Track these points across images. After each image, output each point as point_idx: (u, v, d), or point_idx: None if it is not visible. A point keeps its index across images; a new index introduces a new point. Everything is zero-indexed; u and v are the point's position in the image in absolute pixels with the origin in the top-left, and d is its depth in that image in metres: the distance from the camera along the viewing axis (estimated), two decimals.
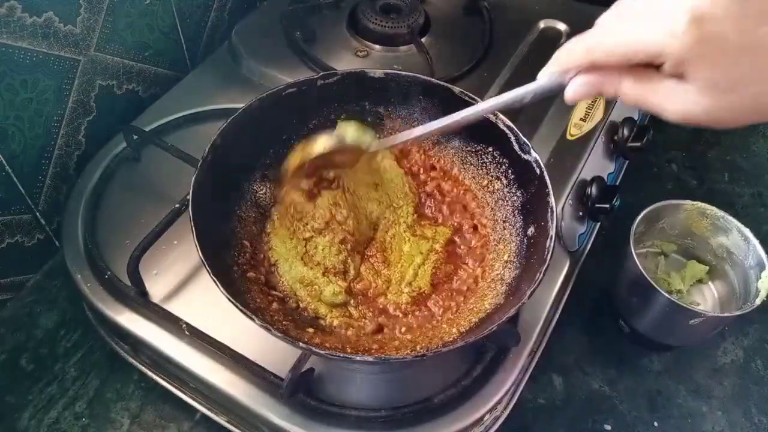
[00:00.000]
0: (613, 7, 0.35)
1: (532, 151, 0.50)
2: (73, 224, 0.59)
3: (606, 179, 0.65)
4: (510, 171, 0.53)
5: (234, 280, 0.47)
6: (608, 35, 0.34)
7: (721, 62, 0.30)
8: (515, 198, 0.53)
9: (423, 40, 0.75)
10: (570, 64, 0.36)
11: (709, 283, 0.67)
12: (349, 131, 0.48)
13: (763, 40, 0.30)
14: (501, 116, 0.51)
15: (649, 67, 0.33)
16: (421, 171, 0.58)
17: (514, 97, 0.39)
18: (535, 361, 0.56)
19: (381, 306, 0.51)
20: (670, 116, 0.33)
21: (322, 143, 0.48)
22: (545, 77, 0.37)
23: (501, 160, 0.54)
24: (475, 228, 0.55)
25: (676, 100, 0.32)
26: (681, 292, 0.65)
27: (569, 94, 0.36)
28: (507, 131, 0.51)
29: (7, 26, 0.53)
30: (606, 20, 0.35)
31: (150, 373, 0.56)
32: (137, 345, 0.55)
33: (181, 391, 0.55)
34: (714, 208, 0.63)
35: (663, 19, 0.31)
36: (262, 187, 0.55)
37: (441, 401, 0.49)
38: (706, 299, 0.66)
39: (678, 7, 0.30)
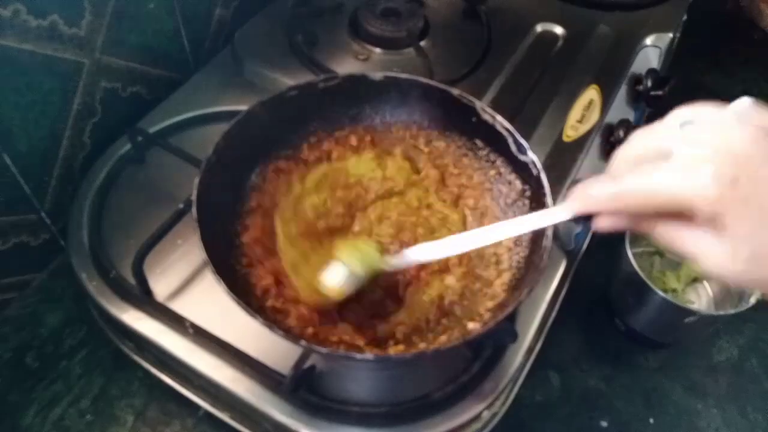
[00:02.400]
0: (631, 144, 0.33)
1: (529, 152, 0.50)
2: (78, 224, 0.59)
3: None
4: (507, 172, 0.54)
5: (237, 279, 0.48)
6: (634, 184, 0.31)
7: (758, 221, 0.28)
8: (512, 198, 0.53)
9: (422, 43, 0.76)
10: (594, 208, 0.33)
11: (704, 282, 0.68)
12: (357, 263, 0.45)
13: None
14: (499, 117, 0.52)
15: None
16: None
17: (535, 226, 0.38)
18: (533, 359, 0.57)
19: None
20: (707, 270, 0.30)
21: (338, 292, 0.45)
22: (567, 212, 0.35)
23: (498, 161, 0.55)
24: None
25: (710, 254, 0.30)
26: (676, 290, 0.66)
27: (600, 225, 0.34)
28: (504, 132, 0.52)
29: (12, 29, 0.54)
30: (625, 160, 0.33)
31: (154, 371, 0.57)
32: (141, 343, 0.56)
33: (185, 388, 0.56)
34: None
35: (694, 167, 0.28)
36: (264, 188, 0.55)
37: (440, 398, 0.50)
38: (701, 298, 0.67)
39: (709, 154, 0.28)
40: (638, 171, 0.31)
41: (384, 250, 0.51)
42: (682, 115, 0.32)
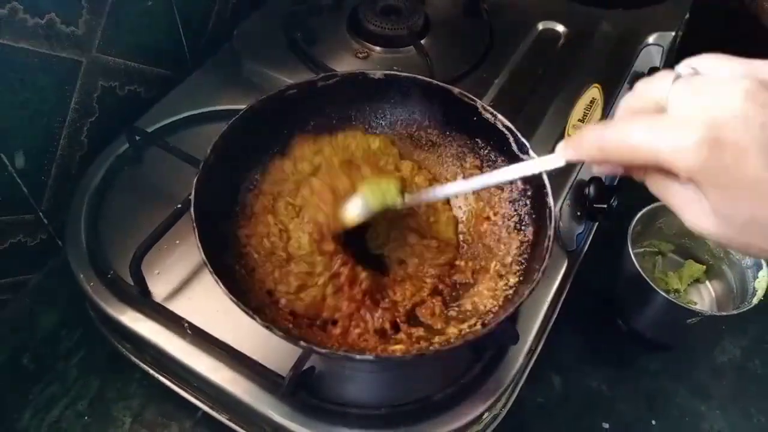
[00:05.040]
0: (634, 93, 0.33)
1: (530, 151, 0.50)
2: (75, 224, 0.59)
3: (604, 179, 0.65)
4: None
5: (236, 280, 0.47)
6: (622, 135, 0.31)
7: (734, 192, 0.28)
8: (513, 198, 0.53)
9: (423, 41, 0.76)
10: (584, 156, 0.34)
11: (707, 282, 0.67)
12: (373, 199, 0.48)
13: None
14: (499, 116, 0.52)
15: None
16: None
17: (533, 169, 0.39)
18: (534, 360, 0.57)
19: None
20: (688, 225, 0.31)
21: (351, 217, 0.48)
22: (560, 159, 0.35)
23: (499, 160, 0.54)
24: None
25: (690, 210, 0.30)
26: (678, 291, 0.66)
27: (596, 170, 0.35)
28: (505, 131, 0.51)
29: (9, 27, 0.53)
30: (626, 109, 0.33)
31: (152, 372, 0.57)
32: (139, 344, 0.55)
33: (183, 390, 0.56)
34: None
35: (678, 128, 0.29)
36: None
37: (440, 399, 0.49)
38: (704, 299, 0.66)
39: (696, 115, 0.28)
40: (631, 122, 0.31)
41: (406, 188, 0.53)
42: (687, 65, 0.32)
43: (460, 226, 0.56)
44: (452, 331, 0.47)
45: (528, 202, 0.51)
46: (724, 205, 0.29)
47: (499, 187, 0.55)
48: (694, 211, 0.30)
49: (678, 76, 0.31)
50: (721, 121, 0.27)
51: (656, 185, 0.32)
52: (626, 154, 0.31)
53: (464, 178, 0.57)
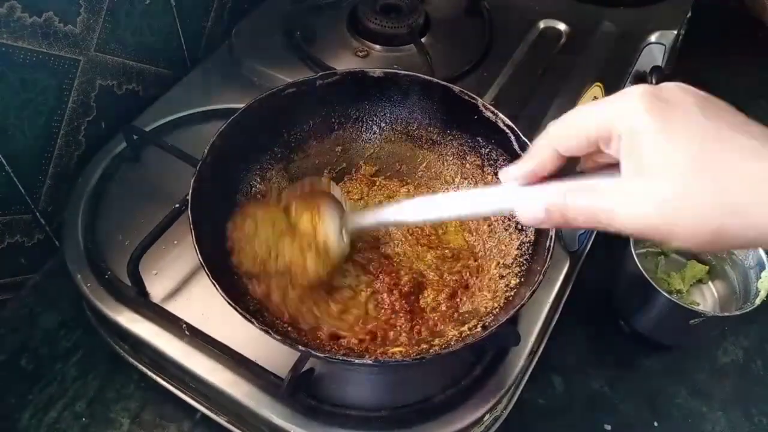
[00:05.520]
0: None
1: None
2: (73, 224, 0.59)
3: None
4: None
5: (234, 282, 0.47)
6: (565, 118, 0.33)
7: (679, 133, 0.28)
8: None
9: (423, 40, 0.75)
10: (535, 154, 0.35)
11: (709, 283, 0.67)
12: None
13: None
14: (501, 115, 0.51)
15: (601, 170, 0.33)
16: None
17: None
18: (535, 361, 0.56)
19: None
20: (621, 222, 0.30)
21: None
22: (509, 195, 0.37)
23: (500, 159, 0.54)
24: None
25: (626, 202, 0.30)
26: (681, 292, 0.65)
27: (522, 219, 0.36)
28: (507, 130, 0.51)
29: (7, 26, 0.53)
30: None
31: (150, 373, 0.56)
32: (137, 345, 0.55)
33: (182, 391, 0.55)
34: None
35: (617, 97, 0.30)
36: (262, 188, 0.55)
37: (441, 401, 0.49)
38: (706, 299, 0.66)
39: (633, 88, 0.30)
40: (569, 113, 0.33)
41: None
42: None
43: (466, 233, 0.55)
44: (452, 333, 0.47)
45: None
46: (665, 169, 0.28)
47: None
48: (629, 201, 0.30)
49: None
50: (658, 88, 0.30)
51: (584, 197, 0.32)
52: (569, 129, 0.33)
53: (464, 177, 0.57)
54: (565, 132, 0.33)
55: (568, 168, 0.35)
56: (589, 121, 0.32)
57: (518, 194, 0.36)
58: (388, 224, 0.51)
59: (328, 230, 0.46)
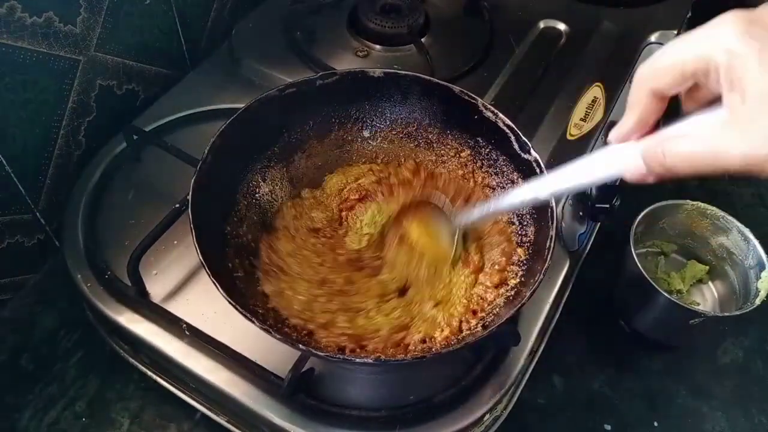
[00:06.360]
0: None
1: (532, 150, 0.50)
2: (73, 224, 0.59)
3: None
4: (510, 170, 0.53)
5: (234, 282, 0.47)
6: (654, 55, 0.32)
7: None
8: None
9: (423, 40, 0.75)
10: (633, 102, 0.34)
11: (709, 283, 0.67)
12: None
13: None
14: (501, 115, 0.51)
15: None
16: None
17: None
18: (535, 361, 0.56)
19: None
20: (725, 160, 0.29)
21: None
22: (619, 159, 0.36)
23: (500, 159, 0.54)
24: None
25: (729, 137, 0.29)
26: (681, 292, 0.65)
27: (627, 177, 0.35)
28: (507, 130, 0.51)
29: (7, 26, 0.53)
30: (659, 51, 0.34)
31: (150, 373, 0.56)
32: (137, 345, 0.55)
33: (181, 391, 0.55)
34: (714, 208, 0.63)
35: (708, 26, 0.29)
36: (262, 188, 0.55)
37: (441, 401, 0.49)
38: (706, 299, 0.66)
39: (724, 15, 0.29)
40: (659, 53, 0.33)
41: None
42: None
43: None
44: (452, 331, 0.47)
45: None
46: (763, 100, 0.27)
47: (501, 186, 0.54)
48: (737, 136, 0.28)
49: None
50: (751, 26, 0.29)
51: (690, 143, 0.30)
52: (666, 69, 0.32)
53: (464, 178, 0.57)
54: (658, 67, 0.32)
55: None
56: (683, 54, 0.30)
57: (622, 152, 0.35)
58: (489, 215, 0.51)
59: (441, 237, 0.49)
